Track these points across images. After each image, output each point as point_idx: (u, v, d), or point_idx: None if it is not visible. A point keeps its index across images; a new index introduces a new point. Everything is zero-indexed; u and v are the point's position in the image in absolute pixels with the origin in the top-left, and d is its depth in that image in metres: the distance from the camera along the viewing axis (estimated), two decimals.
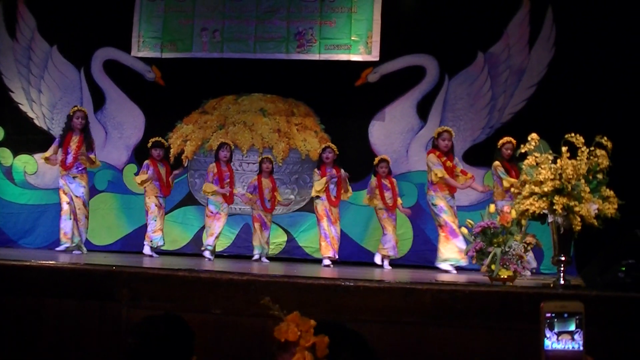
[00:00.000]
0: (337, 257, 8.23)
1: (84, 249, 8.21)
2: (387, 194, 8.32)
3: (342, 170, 8.35)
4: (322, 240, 8.23)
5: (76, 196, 8.18)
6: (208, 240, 8.41)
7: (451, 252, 7.56)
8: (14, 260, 5.45)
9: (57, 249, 8.18)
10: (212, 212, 8.50)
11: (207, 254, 8.34)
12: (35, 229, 9.58)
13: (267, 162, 8.81)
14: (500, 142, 7.95)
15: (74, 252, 8.06)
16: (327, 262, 8.12)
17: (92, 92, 9.92)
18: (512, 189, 6.16)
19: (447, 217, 7.68)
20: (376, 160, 8.53)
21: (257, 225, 8.68)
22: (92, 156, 8.27)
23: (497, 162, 7.85)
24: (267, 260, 8.63)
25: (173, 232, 9.45)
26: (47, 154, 8.26)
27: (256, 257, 8.60)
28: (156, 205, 8.64)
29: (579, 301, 1.70)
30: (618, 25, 8.47)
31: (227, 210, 8.62)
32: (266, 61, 9.52)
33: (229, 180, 8.55)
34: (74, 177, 8.20)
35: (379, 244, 8.43)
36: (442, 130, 7.94)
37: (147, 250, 8.54)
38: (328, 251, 8.16)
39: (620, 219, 5.05)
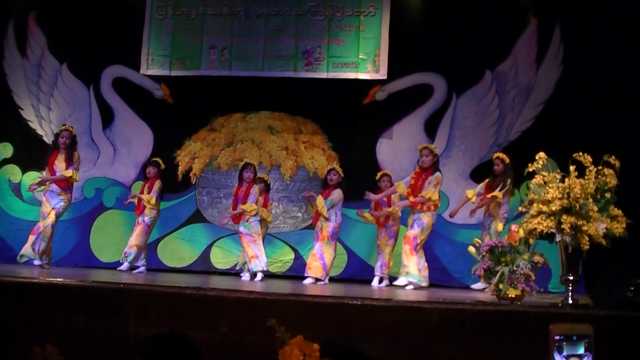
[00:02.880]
0: (312, 276, 8.04)
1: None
2: (383, 210, 8.36)
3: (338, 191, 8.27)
4: (317, 260, 8.11)
5: (52, 207, 8.30)
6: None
7: (414, 268, 7.62)
8: (22, 277, 5.47)
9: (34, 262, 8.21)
10: (241, 232, 8.22)
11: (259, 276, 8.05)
12: None
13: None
14: (493, 157, 8.23)
15: (34, 262, 8.13)
16: (308, 280, 7.98)
17: (101, 109, 9.97)
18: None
19: (419, 232, 7.69)
20: (378, 175, 8.55)
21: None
22: (68, 170, 8.33)
23: (487, 180, 8.15)
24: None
25: (181, 250, 9.45)
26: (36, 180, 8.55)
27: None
28: (135, 224, 8.75)
29: (588, 324, 1.70)
30: (625, 44, 8.47)
31: (255, 230, 8.17)
32: (274, 79, 9.56)
33: (242, 201, 8.34)
34: (57, 194, 8.36)
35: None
36: (421, 147, 8.01)
37: (124, 266, 8.50)
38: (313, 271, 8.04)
39: (628, 238, 5.04)
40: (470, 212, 8.13)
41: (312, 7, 9.55)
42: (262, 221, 8.60)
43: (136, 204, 8.80)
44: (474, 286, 7.88)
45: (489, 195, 7.89)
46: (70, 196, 8.53)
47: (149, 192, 8.71)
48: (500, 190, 7.81)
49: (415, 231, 7.65)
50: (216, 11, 9.75)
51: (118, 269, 8.47)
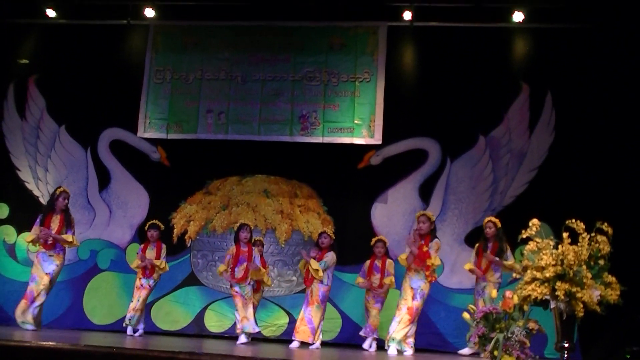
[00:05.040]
0: (300, 340, 7.93)
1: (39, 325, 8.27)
2: (375, 276, 8.32)
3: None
4: (305, 325, 8.05)
5: (45, 273, 8.26)
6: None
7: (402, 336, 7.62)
8: (13, 340, 5.42)
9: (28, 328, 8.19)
10: (237, 292, 8.18)
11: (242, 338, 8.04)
12: None
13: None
14: (484, 221, 8.25)
15: (27, 328, 8.09)
16: (294, 344, 7.95)
17: (98, 171, 10.01)
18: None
19: (421, 303, 7.68)
20: (373, 240, 8.55)
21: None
22: (68, 235, 8.41)
23: (477, 244, 8.17)
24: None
25: (175, 312, 9.38)
26: (32, 237, 8.37)
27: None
28: (136, 287, 8.62)
29: None
30: (617, 110, 8.60)
31: (249, 293, 8.17)
32: (270, 143, 9.66)
33: (246, 262, 8.15)
34: (49, 256, 8.33)
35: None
36: (419, 214, 8.02)
37: (129, 330, 8.49)
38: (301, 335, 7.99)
39: (623, 305, 5.04)
40: (483, 272, 8.02)
41: (308, 73, 9.72)
42: (262, 284, 8.66)
43: (149, 268, 8.64)
44: (461, 352, 7.87)
45: (507, 263, 7.82)
46: (63, 257, 8.46)
47: (157, 257, 8.68)
48: (504, 254, 7.84)
49: (418, 302, 7.66)
50: (213, 76, 9.92)
51: (129, 333, 8.39)
